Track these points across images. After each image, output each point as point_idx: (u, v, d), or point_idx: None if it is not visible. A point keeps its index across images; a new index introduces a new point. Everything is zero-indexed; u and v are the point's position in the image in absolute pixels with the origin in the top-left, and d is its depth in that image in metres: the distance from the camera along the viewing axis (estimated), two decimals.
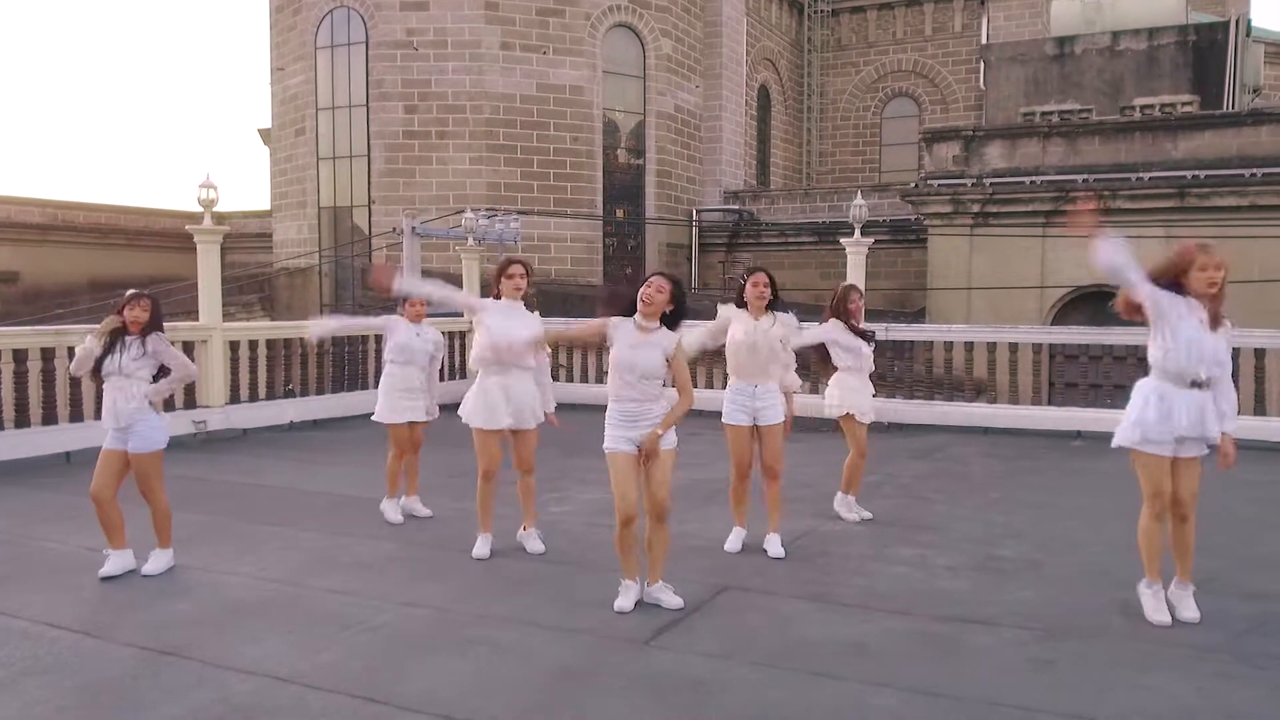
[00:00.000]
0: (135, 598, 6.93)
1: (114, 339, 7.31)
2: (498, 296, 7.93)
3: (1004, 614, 6.61)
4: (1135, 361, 15.80)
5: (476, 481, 8.04)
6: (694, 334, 7.64)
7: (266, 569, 7.60)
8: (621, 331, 6.40)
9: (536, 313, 8.20)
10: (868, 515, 9.26)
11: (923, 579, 7.45)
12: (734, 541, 8.22)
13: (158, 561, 7.44)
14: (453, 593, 7.06)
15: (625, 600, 6.66)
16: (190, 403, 13.51)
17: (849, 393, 9.12)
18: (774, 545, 8.03)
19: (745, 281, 7.97)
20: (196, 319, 14.21)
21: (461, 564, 7.83)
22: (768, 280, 7.97)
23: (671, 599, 6.70)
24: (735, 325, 7.97)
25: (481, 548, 7.94)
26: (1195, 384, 6.16)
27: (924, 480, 11.23)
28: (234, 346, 14.58)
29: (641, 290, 6.41)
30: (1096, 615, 6.59)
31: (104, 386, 7.39)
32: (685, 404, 6.37)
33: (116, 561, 7.37)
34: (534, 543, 8.16)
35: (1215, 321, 6.16)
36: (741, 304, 8.02)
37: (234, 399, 14.55)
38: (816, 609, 6.72)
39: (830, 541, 8.48)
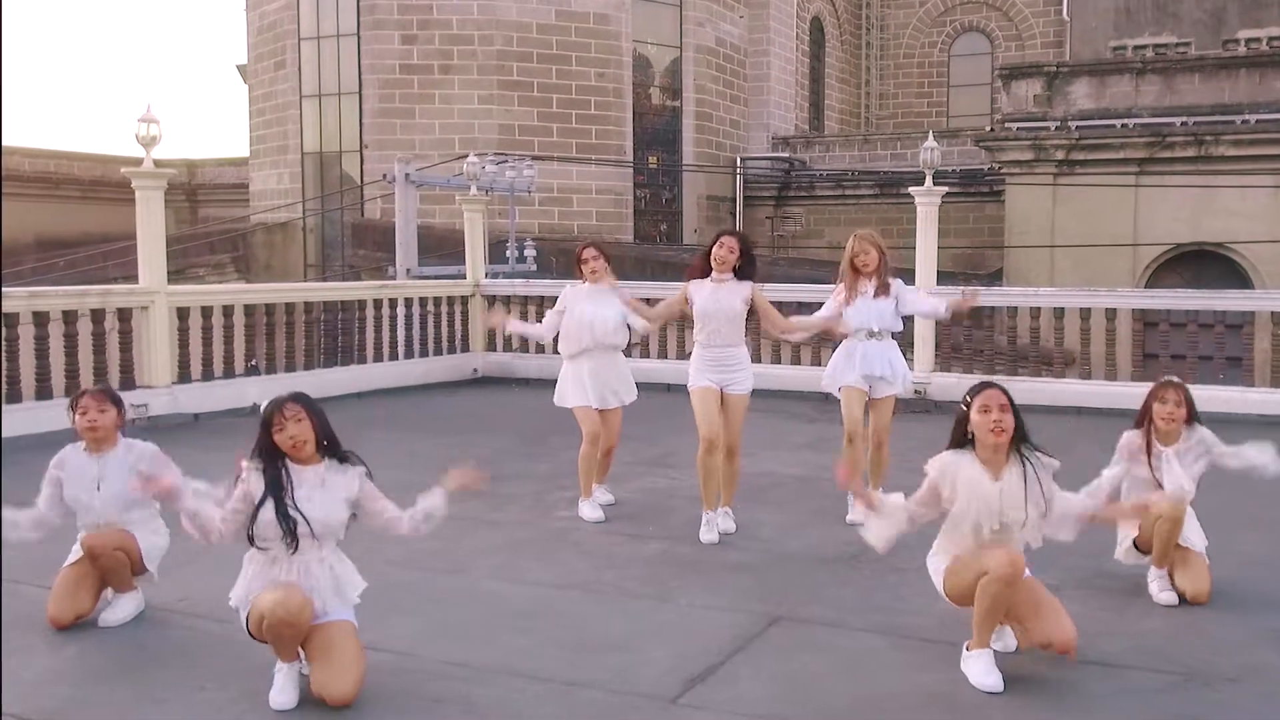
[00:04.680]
0: (9, 640, 5.92)
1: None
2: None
3: (1127, 651, 5.93)
4: (1250, 330, 15.07)
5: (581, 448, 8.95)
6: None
7: (190, 598, 6.67)
8: (698, 289, 8.23)
9: (622, 290, 9.24)
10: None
11: None
12: None
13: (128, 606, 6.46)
14: (424, 630, 6.23)
15: (710, 533, 8.13)
16: (128, 383, 12.68)
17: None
18: None
19: (969, 407, 5.66)
20: None
21: (441, 589, 7.06)
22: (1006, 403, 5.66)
23: (726, 523, 8.34)
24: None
25: (590, 511, 8.89)
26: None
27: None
28: (182, 314, 13.85)
29: (713, 250, 8.15)
30: (1243, 652, 5.94)
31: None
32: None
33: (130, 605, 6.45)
34: (602, 495, 9.14)
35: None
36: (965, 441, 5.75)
37: (183, 378, 13.77)
38: (891, 646, 6.01)
39: (901, 554, 7.61)
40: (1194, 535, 6.84)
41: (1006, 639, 5.72)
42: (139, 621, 6.36)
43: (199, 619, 6.38)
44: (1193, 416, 6.82)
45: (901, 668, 5.70)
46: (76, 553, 6.29)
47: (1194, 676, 5.54)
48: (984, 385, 5.62)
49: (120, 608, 6.34)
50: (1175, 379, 7.04)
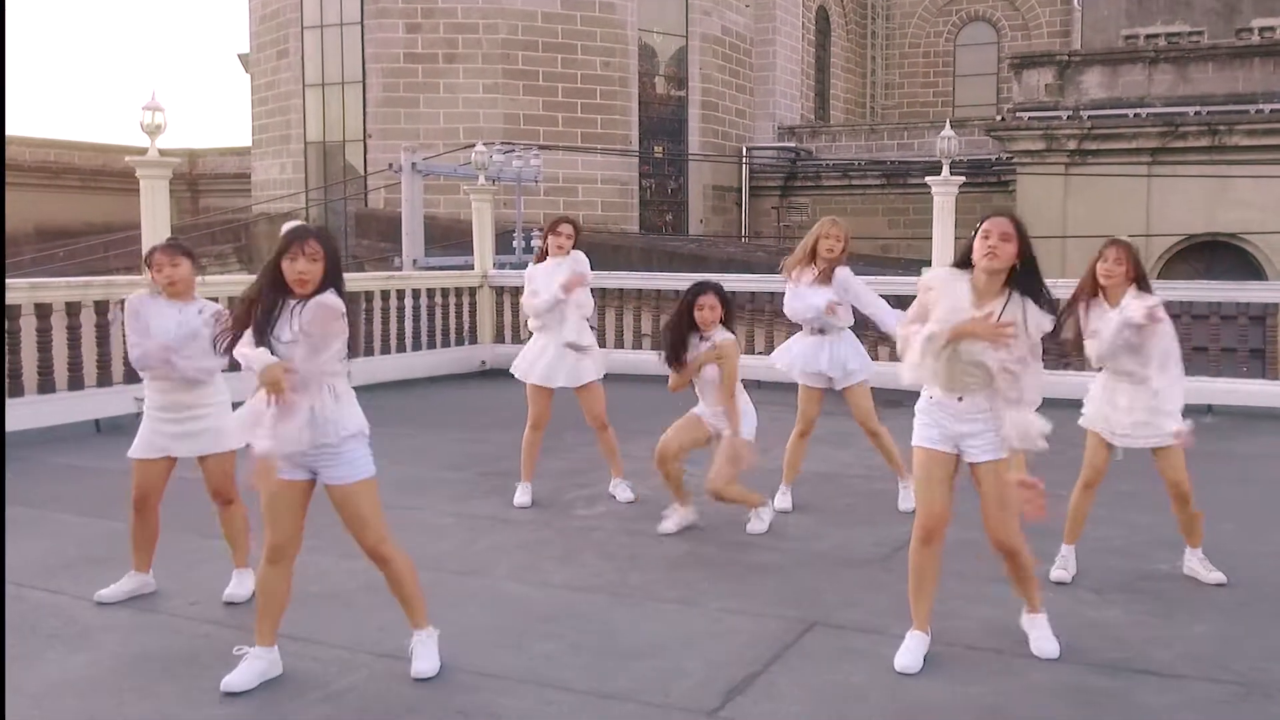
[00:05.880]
0: (11, 647, 5.55)
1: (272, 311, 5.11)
2: (542, 259, 8.76)
3: (1181, 659, 5.64)
4: (1274, 322, 14.80)
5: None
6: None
7: (202, 602, 6.37)
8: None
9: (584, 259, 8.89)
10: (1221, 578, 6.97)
11: (1065, 607, 6.40)
12: None
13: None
14: (447, 637, 5.81)
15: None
16: (131, 376, 12.34)
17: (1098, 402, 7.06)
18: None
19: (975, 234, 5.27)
20: None
21: (459, 592, 6.73)
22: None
23: (778, 504, 8.43)
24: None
25: (521, 496, 8.77)
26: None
27: (1034, 469, 10.04)
28: None
29: (695, 314, 7.44)
30: None
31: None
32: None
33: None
34: (623, 491, 8.85)
35: None
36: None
37: None
38: (934, 654, 5.68)
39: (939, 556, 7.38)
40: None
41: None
42: (148, 627, 6.07)
43: (212, 625, 6.08)
44: (1139, 277, 6.43)
45: (947, 678, 5.39)
46: (142, 448, 6.39)
47: (1254, 687, 5.25)
48: (998, 214, 5.27)
49: (244, 583, 6.38)
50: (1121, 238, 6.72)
